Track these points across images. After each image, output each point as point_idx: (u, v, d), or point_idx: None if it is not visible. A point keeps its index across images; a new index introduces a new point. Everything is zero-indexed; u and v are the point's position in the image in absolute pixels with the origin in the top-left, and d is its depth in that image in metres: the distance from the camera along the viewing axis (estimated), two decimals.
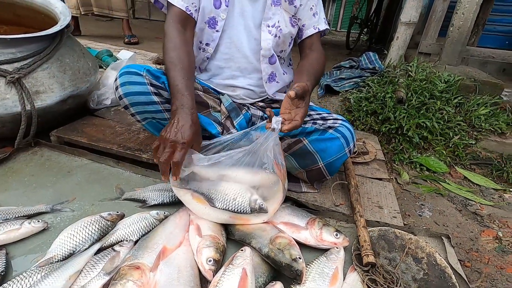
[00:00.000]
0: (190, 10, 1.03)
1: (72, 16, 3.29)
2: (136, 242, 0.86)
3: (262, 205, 0.90)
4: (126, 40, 3.44)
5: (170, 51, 0.98)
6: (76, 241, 0.82)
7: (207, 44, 1.10)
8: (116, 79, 1.03)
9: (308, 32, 1.15)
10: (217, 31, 1.08)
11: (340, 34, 8.07)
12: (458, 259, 0.97)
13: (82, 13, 3.25)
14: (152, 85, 1.02)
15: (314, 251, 0.91)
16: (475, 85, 2.14)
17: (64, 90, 1.35)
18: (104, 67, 2.13)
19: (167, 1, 1.03)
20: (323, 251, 0.90)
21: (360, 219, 1.00)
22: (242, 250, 0.80)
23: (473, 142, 1.86)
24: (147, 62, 2.60)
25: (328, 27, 1.19)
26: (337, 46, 5.22)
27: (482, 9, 3.54)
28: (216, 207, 0.89)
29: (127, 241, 0.85)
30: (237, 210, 0.89)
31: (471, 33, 2.55)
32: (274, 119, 0.88)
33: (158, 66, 2.56)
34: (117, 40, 3.50)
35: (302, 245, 0.90)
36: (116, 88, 1.02)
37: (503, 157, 1.79)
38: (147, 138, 1.38)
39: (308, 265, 0.83)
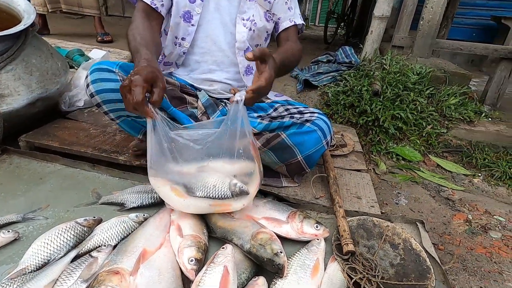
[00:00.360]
0: (155, 4, 1.03)
1: (39, 14, 3.15)
2: (115, 246, 0.84)
3: (242, 187, 0.89)
4: (99, 38, 3.31)
5: (132, 30, 0.97)
6: (50, 250, 0.79)
7: (183, 39, 1.10)
8: (87, 76, 1.00)
9: (284, 24, 1.17)
10: (192, 25, 1.08)
11: (318, 29, 8.18)
12: (432, 243, 1.02)
13: (50, 10, 3.09)
14: None
15: (296, 244, 0.93)
16: (445, 76, 2.23)
17: (31, 92, 1.29)
18: (75, 67, 2.05)
19: None
20: (305, 243, 0.92)
21: (339, 210, 1.03)
22: (223, 247, 0.80)
23: (445, 130, 1.95)
24: (122, 61, 2.52)
25: (304, 23, 1.21)
26: (315, 40, 5.28)
27: (450, 3, 3.69)
28: (196, 196, 0.87)
29: (105, 246, 0.83)
30: (218, 196, 0.88)
31: (440, 26, 2.66)
32: (237, 93, 0.85)
33: None
34: (90, 38, 3.37)
35: (284, 239, 0.92)
36: (87, 86, 0.99)
37: (471, 144, 1.89)
38: (124, 140, 1.34)
39: (290, 258, 0.84)
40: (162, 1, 1.05)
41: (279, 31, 1.19)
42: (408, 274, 0.88)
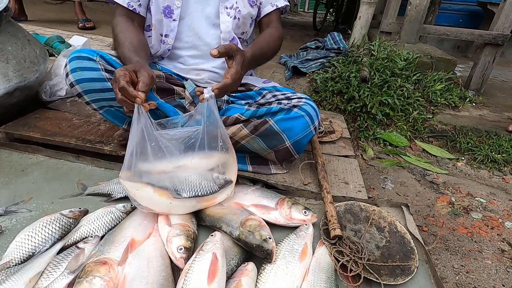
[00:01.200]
0: (132, 6, 1.02)
1: None
2: (102, 237, 0.83)
3: (226, 178, 0.92)
4: (81, 24, 3.18)
5: (118, 34, 0.97)
6: (35, 242, 0.77)
7: (166, 36, 1.07)
8: (66, 65, 0.96)
9: (266, 10, 1.14)
10: (174, 20, 1.05)
11: (307, 15, 8.08)
12: (417, 225, 1.06)
13: None
14: (107, 71, 0.97)
15: (285, 229, 0.94)
16: (431, 62, 2.25)
17: (8, 81, 1.23)
18: (55, 55, 1.97)
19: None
20: (293, 229, 0.93)
21: (327, 195, 1.05)
22: (212, 235, 0.80)
23: (431, 116, 1.98)
24: (104, 48, 2.43)
25: (288, 3, 1.18)
26: (304, 27, 5.21)
27: None
28: (184, 197, 0.87)
29: (91, 237, 0.82)
30: (206, 193, 0.89)
31: (428, 11, 2.66)
32: (205, 90, 0.85)
33: None
34: (70, 25, 3.23)
35: (273, 225, 0.93)
36: (67, 75, 0.95)
37: (456, 129, 1.94)
38: (108, 130, 1.31)
39: (279, 243, 0.86)
40: (139, 1, 1.03)
41: (261, 16, 1.16)
42: (393, 256, 0.91)
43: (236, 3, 1.06)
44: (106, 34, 2.93)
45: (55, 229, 0.81)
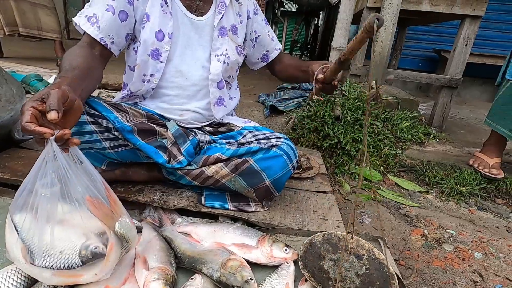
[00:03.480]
0: (105, 41, 1.02)
1: None
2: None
3: (95, 248, 0.69)
4: (60, 62, 3.19)
5: (64, 59, 0.89)
6: None
7: (151, 75, 1.11)
8: None
9: (273, 55, 1.35)
10: (161, 62, 1.09)
11: None
12: (394, 259, 1.08)
13: (7, 33, 2.95)
14: (88, 114, 0.98)
15: (267, 269, 0.93)
16: (397, 102, 2.46)
17: None
18: (32, 93, 1.95)
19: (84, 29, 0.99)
20: (275, 267, 0.93)
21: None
22: (192, 278, 0.78)
23: (400, 151, 2.12)
24: None
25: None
26: None
27: (398, 37, 4.13)
28: (34, 265, 0.69)
29: (61, 287, 0.76)
30: (64, 266, 0.69)
31: (391, 56, 2.96)
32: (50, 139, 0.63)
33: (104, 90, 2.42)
34: (49, 62, 3.24)
35: (254, 265, 0.91)
36: None
37: (423, 163, 2.07)
38: None
39: (260, 284, 0.84)
40: (112, 39, 1.02)
41: (269, 61, 1.36)
42: (374, 282, 0.92)
43: (226, 50, 1.15)
44: None
45: (17, 281, 0.75)
